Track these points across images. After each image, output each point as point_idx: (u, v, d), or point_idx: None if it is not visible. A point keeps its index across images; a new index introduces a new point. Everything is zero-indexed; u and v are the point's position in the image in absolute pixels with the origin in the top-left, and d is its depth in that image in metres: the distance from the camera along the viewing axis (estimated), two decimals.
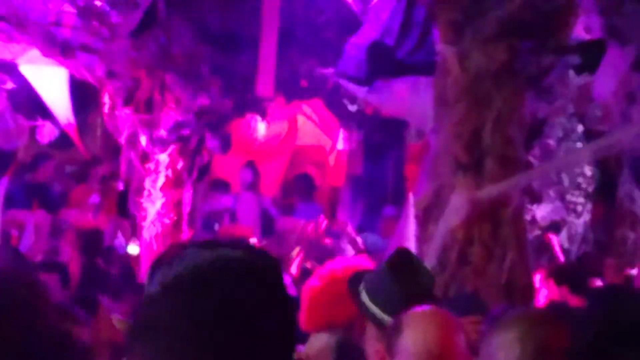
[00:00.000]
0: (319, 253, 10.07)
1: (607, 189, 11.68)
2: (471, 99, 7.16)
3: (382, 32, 8.54)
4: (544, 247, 9.69)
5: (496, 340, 2.86)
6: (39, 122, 11.97)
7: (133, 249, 11.71)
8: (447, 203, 7.12)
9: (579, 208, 11.72)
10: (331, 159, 12.40)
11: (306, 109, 11.61)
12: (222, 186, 12.78)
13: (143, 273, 10.29)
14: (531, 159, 9.04)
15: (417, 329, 3.21)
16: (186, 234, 11.30)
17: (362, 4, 9.43)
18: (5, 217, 11.29)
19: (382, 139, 11.72)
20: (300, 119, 11.96)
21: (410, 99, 8.74)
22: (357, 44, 8.79)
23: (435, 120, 7.59)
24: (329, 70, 9.43)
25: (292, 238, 11.19)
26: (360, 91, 9.23)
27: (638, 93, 8.61)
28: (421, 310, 3.36)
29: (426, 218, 7.37)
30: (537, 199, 10.44)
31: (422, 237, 7.44)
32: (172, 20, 10.48)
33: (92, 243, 10.64)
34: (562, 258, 8.64)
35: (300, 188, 12.50)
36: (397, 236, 9.30)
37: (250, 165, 12.43)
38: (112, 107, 10.98)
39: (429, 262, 6.80)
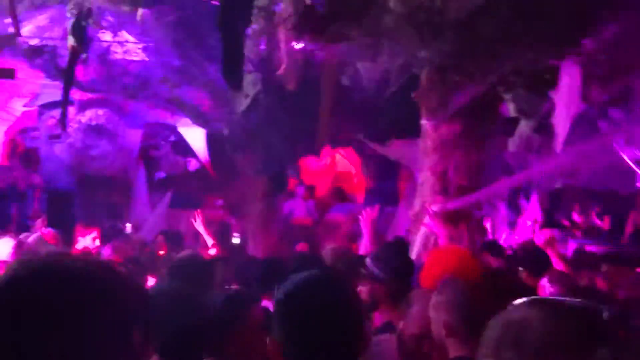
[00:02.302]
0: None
1: None
2: (441, 152, 9.35)
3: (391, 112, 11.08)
4: None
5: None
6: (189, 158, 14.90)
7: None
8: (428, 211, 8.55)
9: None
10: (355, 179, 14.85)
11: (341, 152, 14.10)
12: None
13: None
14: None
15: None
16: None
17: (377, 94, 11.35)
18: (168, 216, 14.17)
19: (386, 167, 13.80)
20: (338, 157, 14.50)
21: (405, 151, 11.36)
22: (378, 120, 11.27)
23: (421, 164, 9.76)
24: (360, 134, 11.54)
25: (335, 227, 13.50)
26: (377, 145, 11.83)
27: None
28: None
29: (416, 219, 9.38)
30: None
31: (413, 231, 9.52)
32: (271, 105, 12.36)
33: (223, 233, 13.09)
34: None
35: (338, 196, 15.18)
36: (395, 227, 11.95)
37: (304, 185, 14.86)
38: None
39: (417, 247, 9.01)
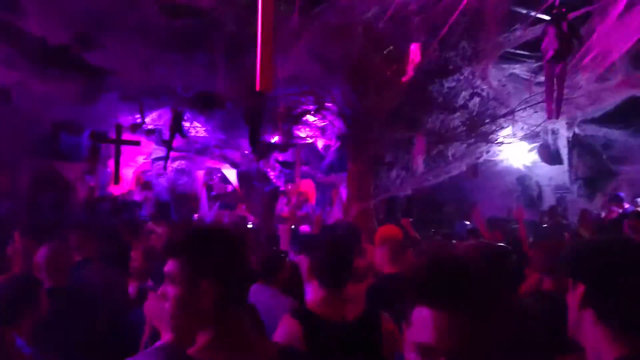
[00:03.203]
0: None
1: None
2: (358, 178, 9.06)
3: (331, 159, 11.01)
4: None
5: None
6: (228, 185, 14.36)
7: None
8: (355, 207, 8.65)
9: None
10: (311, 193, 13.66)
11: (305, 182, 13.32)
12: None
13: None
14: None
15: None
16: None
17: (324, 150, 11.44)
18: (218, 214, 12.98)
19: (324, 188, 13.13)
20: (303, 182, 13.50)
21: (337, 179, 11.05)
22: (325, 162, 11.40)
23: (347, 185, 9.38)
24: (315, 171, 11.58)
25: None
26: (323, 176, 11.76)
27: None
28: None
29: (346, 211, 8.95)
30: None
31: (344, 216, 8.68)
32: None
33: (242, 222, 12.85)
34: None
35: (302, 202, 14.10)
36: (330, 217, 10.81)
37: (286, 197, 13.90)
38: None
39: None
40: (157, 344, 1.55)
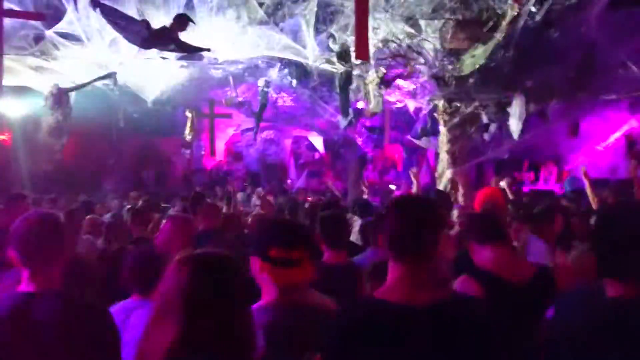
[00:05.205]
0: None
1: None
2: (451, 142, 8.71)
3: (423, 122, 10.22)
4: None
5: None
6: (315, 152, 14.66)
7: None
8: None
9: None
10: (398, 158, 14.10)
11: (393, 147, 13.63)
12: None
13: None
14: None
15: None
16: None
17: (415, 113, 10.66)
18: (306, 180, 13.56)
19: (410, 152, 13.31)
20: (390, 147, 13.89)
21: (428, 142, 10.52)
22: (415, 126, 10.75)
23: (439, 148, 9.00)
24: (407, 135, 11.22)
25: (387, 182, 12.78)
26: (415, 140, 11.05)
27: None
28: None
29: (440, 176, 8.89)
30: None
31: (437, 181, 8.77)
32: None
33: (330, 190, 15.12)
34: None
35: (388, 168, 14.68)
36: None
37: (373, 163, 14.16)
38: None
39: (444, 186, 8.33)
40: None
